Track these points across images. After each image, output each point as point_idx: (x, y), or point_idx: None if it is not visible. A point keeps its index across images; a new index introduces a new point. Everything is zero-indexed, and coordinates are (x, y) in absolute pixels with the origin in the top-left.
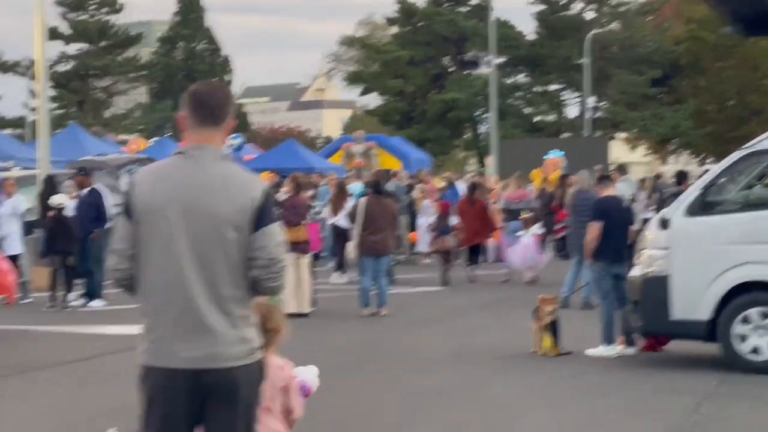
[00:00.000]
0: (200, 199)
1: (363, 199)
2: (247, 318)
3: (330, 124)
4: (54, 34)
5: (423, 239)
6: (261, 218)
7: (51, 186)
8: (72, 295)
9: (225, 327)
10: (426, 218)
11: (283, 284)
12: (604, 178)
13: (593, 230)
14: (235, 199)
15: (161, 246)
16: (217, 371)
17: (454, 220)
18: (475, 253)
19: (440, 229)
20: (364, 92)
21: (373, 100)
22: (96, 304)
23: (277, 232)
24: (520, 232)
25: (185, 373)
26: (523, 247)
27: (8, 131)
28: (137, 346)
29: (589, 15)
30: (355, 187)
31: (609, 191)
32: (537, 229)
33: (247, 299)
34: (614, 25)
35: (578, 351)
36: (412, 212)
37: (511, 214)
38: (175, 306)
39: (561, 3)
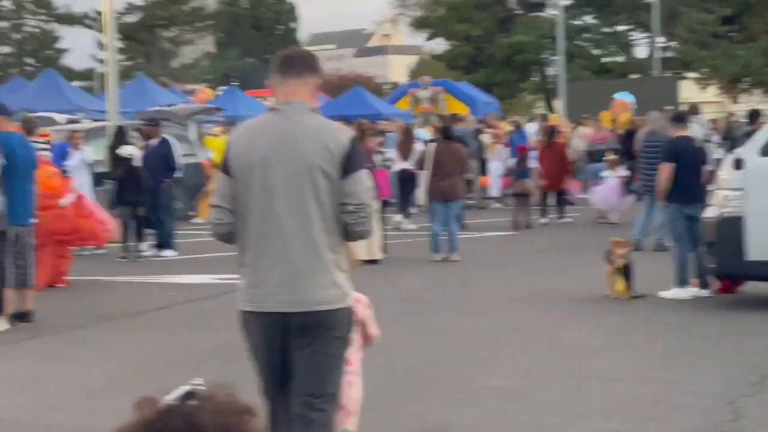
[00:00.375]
0: (292, 150)
1: (432, 144)
2: (339, 263)
3: (396, 69)
4: None
5: (494, 183)
6: (349, 165)
7: (121, 137)
8: (143, 245)
9: (317, 272)
10: (498, 162)
11: (372, 229)
12: (678, 119)
13: (665, 171)
14: (323, 147)
15: (258, 198)
16: (305, 314)
17: (532, 162)
18: (556, 196)
19: (519, 172)
20: (430, 37)
21: (439, 44)
22: (167, 253)
23: (364, 178)
24: (604, 173)
25: (280, 317)
26: (608, 189)
27: (77, 83)
28: (236, 293)
29: None
30: (422, 132)
31: (682, 132)
32: (622, 170)
33: (340, 244)
34: None
35: (651, 294)
36: (481, 157)
37: (593, 155)
38: (271, 254)
39: None
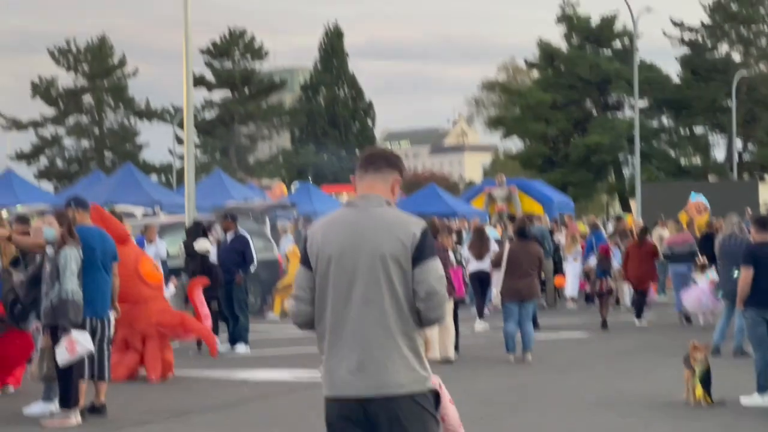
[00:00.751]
0: (366, 240)
1: (508, 244)
2: (414, 349)
3: (471, 168)
4: (199, 81)
5: (571, 283)
6: (420, 254)
7: (197, 232)
8: (217, 341)
9: (392, 358)
10: (575, 263)
11: (444, 315)
12: (760, 222)
13: (745, 276)
14: (396, 237)
15: (334, 288)
16: (387, 399)
17: (615, 263)
18: (641, 296)
19: (600, 271)
20: (506, 136)
21: (515, 143)
22: (241, 349)
23: (436, 267)
24: (695, 276)
25: (358, 402)
26: (700, 292)
27: (155, 177)
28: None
29: (736, 57)
30: (494, 231)
31: (763, 236)
32: (712, 273)
33: (415, 332)
34: (762, 67)
35: (732, 400)
36: (557, 256)
37: (674, 258)
38: (347, 340)
39: (707, 46)
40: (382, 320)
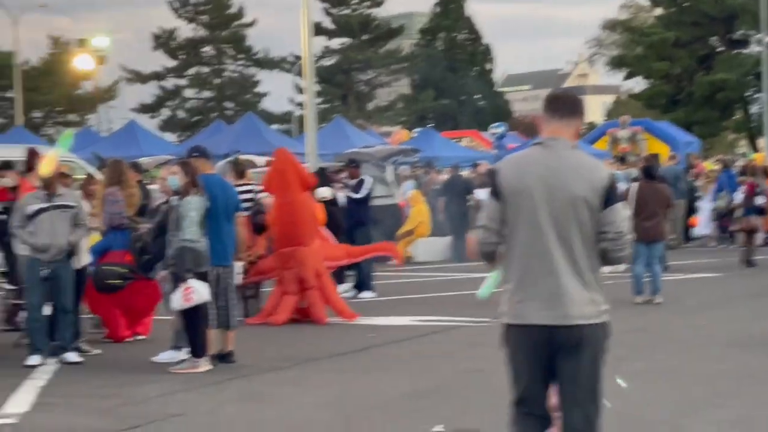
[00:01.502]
0: (558, 181)
1: (635, 185)
2: (596, 283)
3: (593, 109)
4: (318, 29)
5: (705, 223)
6: (609, 198)
7: (321, 178)
8: (342, 287)
9: (578, 290)
10: (709, 203)
11: (628, 255)
12: None
13: None
14: (587, 181)
15: (526, 221)
16: (568, 328)
17: (759, 200)
18: None
19: (747, 208)
20: (628, 76)
21: (638, 83)
22: (366, 295)
23: (622, 209)
24: None
25: (541, 330)
26: None
27: (276, 126)
28: (499, 308)
29: None
30: (619, 173)
31: None
32: None
33: (597, 267)
34: None
35: None
36: (691, 197)
37: None
38: (536, 272)
39: None
40: (571, 257)
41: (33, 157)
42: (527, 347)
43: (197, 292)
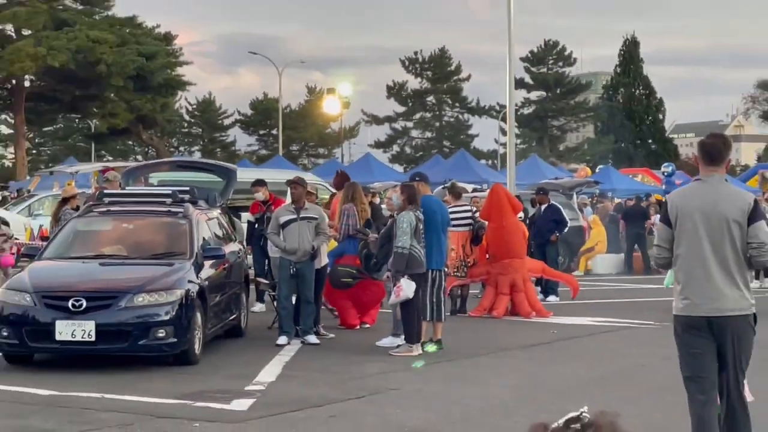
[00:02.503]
0: (714, 207)
1: None
2: (745, 283)
3: (747, 154)
4: (519, 84)
5: None
6: (753, 217)
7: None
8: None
9: (730, 289)
10: None
11: (766, 260)
12: None
13: None
14: (737, 206)
15: (689, 238)
16: (727, 318)
17: None
18: None
19: None
20: None
21: None
22: (551, 299)
23: (764, 226)
24: None
25: (704, 320)
26: None
27: (483, 161)
28: (673, 304)
29: None
30: None
31: None
32: None
33: (745, 271)
34: None
35: None
36: None
37: None
38: (699, 276)
39: None
40: (724, 263)
41: (296, 184)
42: (692, 333)
43: (404, 289)
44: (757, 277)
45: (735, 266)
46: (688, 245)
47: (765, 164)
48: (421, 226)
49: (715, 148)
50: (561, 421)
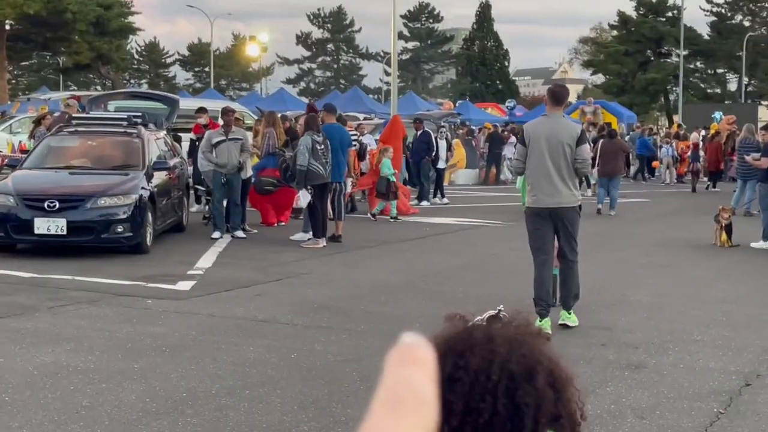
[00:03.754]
0: (554, 134)
1: (601, 141)
2: (574, 186)
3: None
4: (400, 36)
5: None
6: (579, 141)
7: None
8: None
9: (564, 189)
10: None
11: (587, 172)
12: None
13: (763, 163)
14: (569, 134)
15: (538, 155)
16: (562, 208)
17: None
18: (715, 176)
19: (693, 157)
20: (593, 73)
21: (599, 78)
22: (424, 204)
23: (586, 148)
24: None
25: (546, 210)
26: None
27: (371, 96)
28: (527, 200)
29: (746, 23)
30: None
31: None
32: None
33: (574, 177)
34: (764, 30)
35: (744, 244)
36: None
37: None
38: (543, 180)
39: (727, 15)
40: (560, 172)
41: (229, 112)
42: (539, 220)
43: (301, 199)
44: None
45: (567, 174)
46: (537, 160)
47: (583, 101)
48: (320, 147)
49: (559, 94)
50: (483, 317)
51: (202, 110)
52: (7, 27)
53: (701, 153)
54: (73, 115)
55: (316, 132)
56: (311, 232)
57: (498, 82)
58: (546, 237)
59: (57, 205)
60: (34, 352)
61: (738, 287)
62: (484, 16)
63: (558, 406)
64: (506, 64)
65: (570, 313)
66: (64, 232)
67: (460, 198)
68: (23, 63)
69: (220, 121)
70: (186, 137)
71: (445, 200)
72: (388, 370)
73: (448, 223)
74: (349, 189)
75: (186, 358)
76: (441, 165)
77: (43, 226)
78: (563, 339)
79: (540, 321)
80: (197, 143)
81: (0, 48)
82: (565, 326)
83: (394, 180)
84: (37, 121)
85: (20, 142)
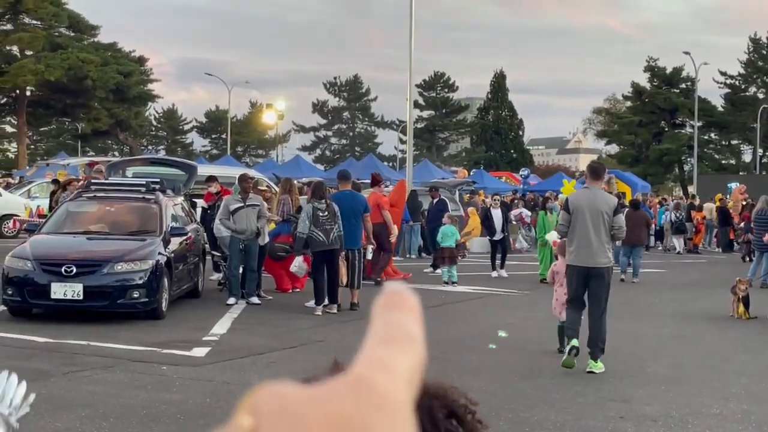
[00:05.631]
0: (594, 204)
1: (627, 211)
2: (609, 248)
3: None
4: (415, 104)
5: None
6: (616, 211)
7: (412, 198)
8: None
9: (601, 251)
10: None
11: (622, 236)
12: None
13: None
14: (607, 204)
15: (580, 222)
16: (598, 268)
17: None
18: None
19: (746, 228)
20: (608, 143)
21: (613, 148)
22: (435, 271)
23: (621, 217)
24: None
25: (586, 269)
26: None
27: (386, 163)
28: (567, 257)
29: (760, 95)
30: None
31: None
32: None
33: (610, 242)
34: None
35: (762, 316)
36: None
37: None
38: (584, 243)
39: (741, 87)
40: (599, 236)
41: (246, 180)
42: (578, 276)
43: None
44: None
45: (605, 239)
46: (580, 226)
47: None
48: (323, 215)
49: (598, 170)
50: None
51: (212, 179)
52: (28, 93)
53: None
54: (92, 181)
55: (318, 200)
56: (326, 299)
57: (512, 151)
58: (580, 290)
59: (74, 270)
60: (48, 419)
61: (757, 360)
62: (498, 85)
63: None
64: (520, 133)
65: (597, 362)
66: (81, 297)
67: (475, 266)
68: (42, 128)
69: (234, 189)
70: (201, 203)
71: (504, 273)
72: (376, 315)
73: (464, 291)
74: (369, 255)
75: (200, 426)
76: (497, 237)
77: (59, 290)
78: (581, 411)
79: (569, 342)
80: (208, 211)
81: (20, 114)
82: (591, 373)
83: (454, 246)
84: (63, 187)
85: (38, 206)
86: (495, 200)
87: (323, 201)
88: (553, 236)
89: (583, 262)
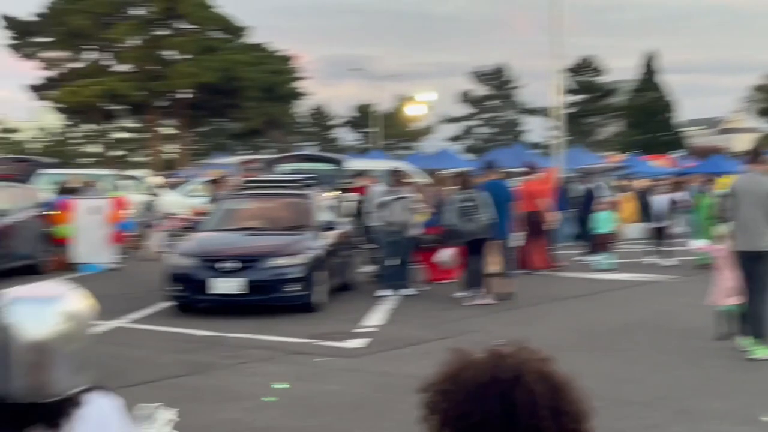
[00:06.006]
0: (755, 187)
1: None
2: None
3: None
4: (565, 89)
5: None
6: None
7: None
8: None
9: (763, 234)
10: None
11: None
12: None
13: None
14: (764, 186)
15: (744, 205)
16: (760, 251)
17: None
18: None
19: None
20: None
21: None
22: (588, 258)
23: None
24: None
25: (751, 252)
26: None
27: (535, 151)
28: (735, 244)
29: None
30: None
31: None
32: None
33: None
34: None
35: None
36: None
37: None
38: (747, 226)
39: None
40: (758, 218)
41: (398, 174)
42: (749, 259)
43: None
44: None
45: (765, 220)
46: (744, 209)
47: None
48: (469, 204)
49: (757, 154)
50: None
51: (361, 173)
52: (185, 95)
53: None
54: (251, 178)
55: (463, 190)
56: (474, 290)
57: (666, 132)
58: (749, 270)
59: (236, 266)
60: (213, 410)
61: None
62: (649, 67)
63: (556, 401)
64: (673, 114)
65: (764, 347)
66: (243, 292)
67: (630, 253)
68: (198, 129)
69: (384, 181)
70: (351, 196)
71: (662, 260)
72: None
73: (618, 279)
74: (517, 244)
75: (360, 416)
76: (656, 223)
77: (222, 286)
78: (749, 401)
79: (746, 334)
80: (361, 204)
81: (179, 116)
82: (754, 360)
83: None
84: (217, 185)
85: (197, 205)
86: (654, 185)
87: (468, 191)
88: (721, 230)
89: (752, 246)
